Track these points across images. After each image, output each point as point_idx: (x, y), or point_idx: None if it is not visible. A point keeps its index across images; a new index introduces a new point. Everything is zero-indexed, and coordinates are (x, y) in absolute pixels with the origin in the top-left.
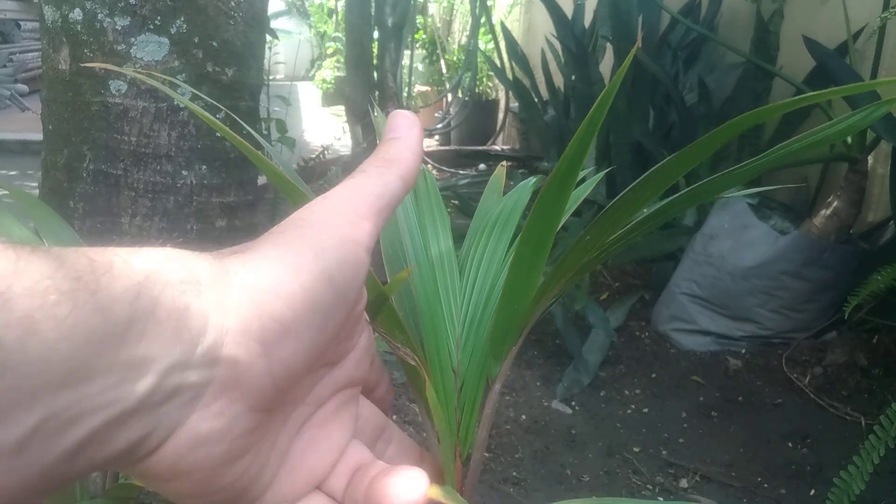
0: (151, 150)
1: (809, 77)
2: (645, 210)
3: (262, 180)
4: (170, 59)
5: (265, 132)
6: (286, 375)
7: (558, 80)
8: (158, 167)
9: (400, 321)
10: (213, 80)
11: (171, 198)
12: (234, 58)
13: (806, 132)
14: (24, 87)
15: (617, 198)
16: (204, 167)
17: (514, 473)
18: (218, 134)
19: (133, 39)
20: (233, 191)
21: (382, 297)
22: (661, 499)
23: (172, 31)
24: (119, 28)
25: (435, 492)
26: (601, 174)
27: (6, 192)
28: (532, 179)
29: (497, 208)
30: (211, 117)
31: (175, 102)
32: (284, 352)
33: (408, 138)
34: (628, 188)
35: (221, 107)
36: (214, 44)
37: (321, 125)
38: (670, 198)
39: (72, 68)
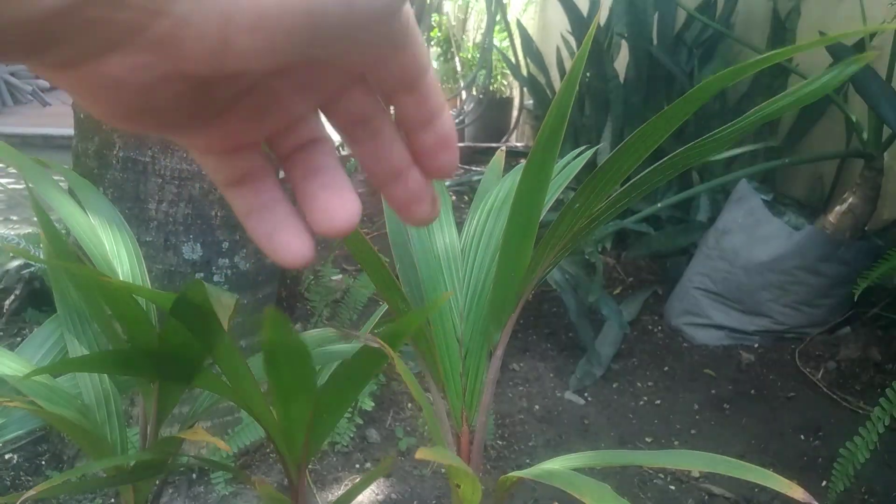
0: None
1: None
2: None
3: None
4: None
5: None
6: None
7: None
8: (185, 154)
9: (401, 291)
10: None
11: (197, 185)
12: None
13: (786, 91)
14: (45, 83)
15: (601, 164)
16: None
17: (528, 461)
18: None
19: None
20: None
21: (388, 279)
22: (672, 488)
23: None
24: None
25: (424, 453)
26: (592, 149)
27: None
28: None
29: (495, 189)
30: None
31: None
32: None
33: None
34: (610, 154)
35: None
36: None
37: (329, 129)
38: (656, 164)
39: None
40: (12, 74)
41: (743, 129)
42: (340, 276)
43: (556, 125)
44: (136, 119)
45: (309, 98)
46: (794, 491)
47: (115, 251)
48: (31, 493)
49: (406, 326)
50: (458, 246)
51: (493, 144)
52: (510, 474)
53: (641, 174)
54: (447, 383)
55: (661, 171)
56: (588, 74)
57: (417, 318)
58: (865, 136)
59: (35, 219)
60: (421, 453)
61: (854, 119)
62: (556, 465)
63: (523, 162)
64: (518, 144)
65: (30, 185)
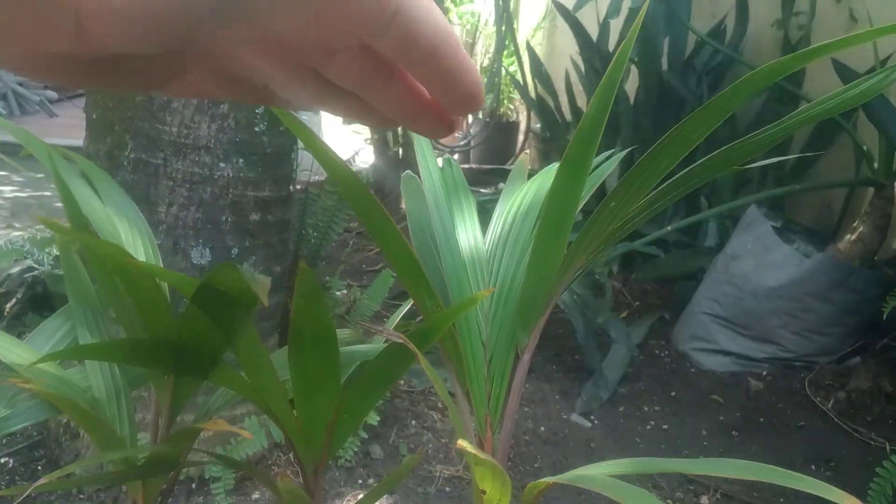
0: (191, 141)
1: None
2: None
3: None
4: None
5: None
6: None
7: (581, 102)
8: (197, 158)
9: (431, 288)
10: None
11: (208, 189)
12: None
13: (818, 99)
14: (53, 94)
15: (637, 163)
16: (241, 160)
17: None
18: (256, 129)
19: None
20: (268, 185)
21: (417, 273)
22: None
23: None
24: None
25: (464, 444)
26: (624, 152)
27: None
28: (555, 165)
29: (522, 191)
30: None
31: None
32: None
33: None
34: (646, 153)
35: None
36: None
37: (342, 141)
38: (691, 167)
39: None
40: (21, 84)
41: (767, 141)
42: (346, 290)
43: (595, 123)
44: (101, 78)
45: (288, 62)
46: (852, 502)
47: (132, 241)
48: (42, 481)
49: (437, 325)
50: (483, 247)
51: (499, 167)
52: (540, 480)
53: (675, 177)
54: (472, 388)
55: (696, 172)
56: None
57: (449, 317)
58: (876, 164)
59: (38, 226)
60: (461, 443)
61: (865, 147)
62: (592, 472)
63: (552, 165)
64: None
65: (52, 168)
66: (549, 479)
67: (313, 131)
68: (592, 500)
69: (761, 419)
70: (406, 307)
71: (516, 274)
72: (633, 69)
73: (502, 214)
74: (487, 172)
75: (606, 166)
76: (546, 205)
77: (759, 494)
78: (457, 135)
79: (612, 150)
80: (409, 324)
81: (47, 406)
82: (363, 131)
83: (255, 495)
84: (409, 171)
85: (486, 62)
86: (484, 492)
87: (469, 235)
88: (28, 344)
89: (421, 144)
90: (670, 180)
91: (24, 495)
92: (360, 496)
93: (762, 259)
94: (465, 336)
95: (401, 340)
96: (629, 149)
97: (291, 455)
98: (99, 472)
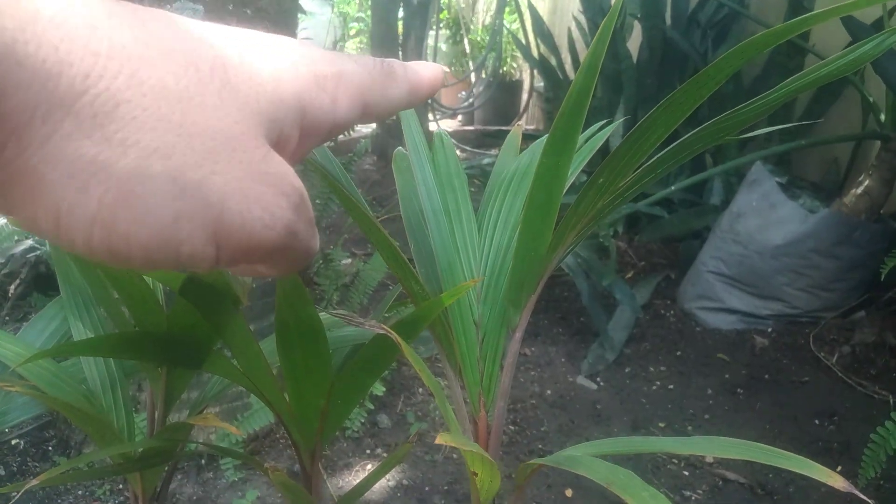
0: None
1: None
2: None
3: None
4: None
5: None
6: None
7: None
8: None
9: (414, 272)
10: None
11: None
12: (268, 26)
13: (821, 62)
14: None
15: (626, 136)
16: None
17: (540, 446)
18: None
19: (169, 7)
20: None
21: (401, 261)
22: (686, 473)
23: None
24: None
25: (444, 438)
26: (616, 122)
27: None
28: (546, 137)
29: (513, 166)
30: None
31: None
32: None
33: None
34: (636, 126)
35: None
36: (248, 11)
37: None
38: (683, 138)
39: None
40: None
41: (769, 105)
42: (350, 259)
43: (582, 95)
44: None
45: None
46: (835, 480)
47: None
48: (35, 481)
49: (425, 314)
50: (475, 226)
51: (503, 128)
52: (531, 461)
53: (666, 149)
54: (464, 368)
55: (686, 145)
56: None
57: (436, 307)
58: (883, 117)
59: None
60: (441, 438)
61: (871, 100)
62: (579, 453)
63: (543, 138)
64: (528, 128)
65: None
66: (538, 461)
67: None
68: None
69: (766, 376)
70: (399, 288)
71: (507, 252)
72: (636, 25)
73: (493, 191)
74: (492, 134)
75: (598, 137)
76: (532, 182)
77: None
78: (460, 95)
79: (602, 122)
80: (406, 302)
81: (41, 401)
82: None
83: None
84: (400, 148)
85: (487, 20)
86: (475, 473)
87: (461, 215)
88: (21, 337)
89: (409, 121)
90: (668, 148)
91: (24, 489)
92: (369, 466)
93: (767, 216)
94: (455, 317)
95: (384, 332)
96: (623, 119)
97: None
98: (97, 466)
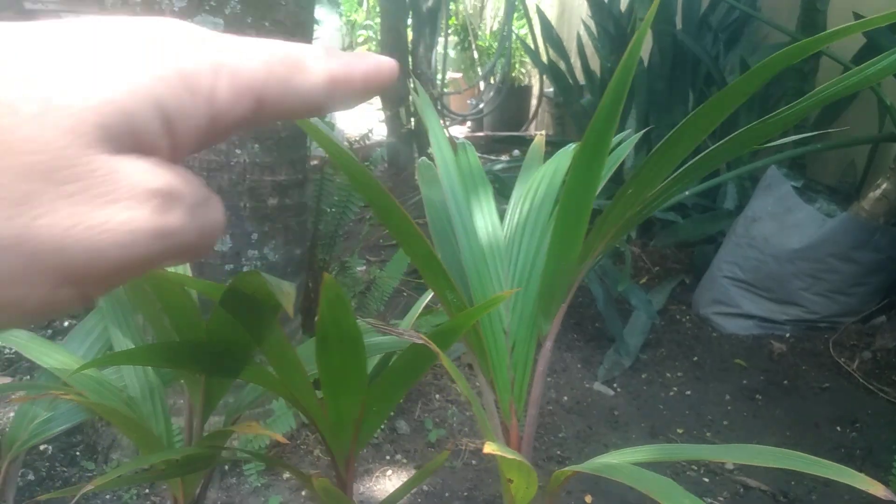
0: None
1: (858, 55)
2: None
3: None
4: None
5: None
6: None
7: (594, 64)
8: (213, 146)
9: (451, 282)
10: None
11: (226, 176)
12: (285, 38)
13: (849, 71)
14: None
15: (656, 148)
16: (256, 146)
17: (558, 452)
18: None
19: (189, 21)
20: (284, 169)
21: (436, 268)
22: (706, 480)
23: (227, 11)
24: (177, 9)
25: (491, 448)
26: (640, 133)
27: None
28: (571, 145)
29: (539, 174)
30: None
31: None
32: None
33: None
34: (665, 138)
35: None
36: (266, 24)
37: (353, 113)
38: (711, 147)
39: None
40: None
41: (797, 115)
42: (364, 266)
43: (612, 108)
44: None
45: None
46: (876, 488)
47: None
48: (90, 486)
49: (460, 324)
50: (501, 234)
51: (513, 133)
52: (566, 468)
53: (692, 160)
54: (495, 376)
55: (712, 156)
56: (608, 63)
57: (472, 316)
58: None
59: None
60: (489, 448)
61: (888, 102)
62: (615, 460)
63: (568, 146)
64: (538, 133)
65: None
66: (574, 468)
67: (325, 128)
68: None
69: (785, 382)
70: (428, 297)
71: (535, 261)
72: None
73: (519, 200)
74: (501, 140)
75: (622, 149)
76: (565, 192)
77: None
78: (469, 101)
79: (626, 131)
80: (432, 310)
81: (86, 408)
82: (375, 101)
83: (286, 474)
84: (424, 158)
85: (495, 26)
86: (511, 480)
87: (487, 223)
88: (64, 347)
89: (436, 132)
90: (690, 162)
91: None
92: (389, 471)
93: (783, 220)
94: (486, 325)
95: (422, 342)
96: (644, 130)
97: (322, 447)
98: (140, 472)
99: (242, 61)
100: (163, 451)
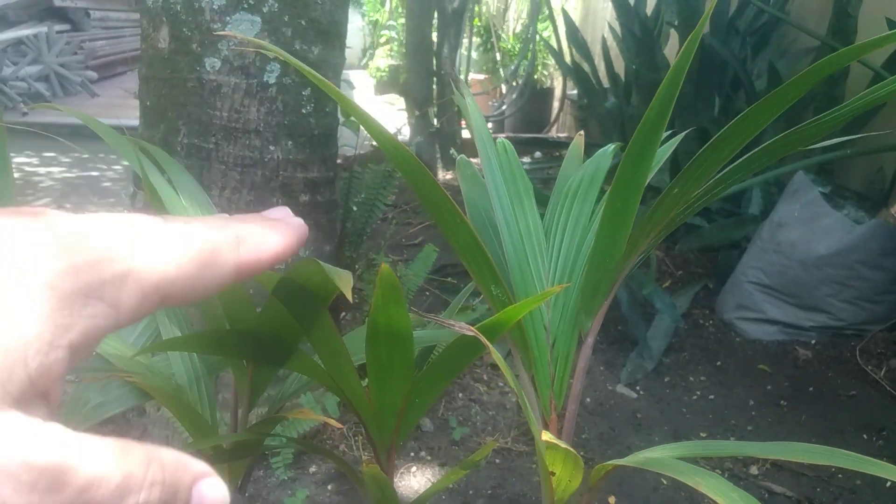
0: (241, 125)
1: (889, 61)
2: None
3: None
4: (261, 37)
5: None
6: None
7: (618, 67)
8: (248, 142)
9: (496, 275)
10: (300, 57)
11: (259, 172)
12: (320, 36)
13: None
14: (93, 74)
15: (703, 148)
16: (290, 143)
17: (582, 453)
18: (303, 110)
19: (228, 18)
20: (316, 166)
21: (483, 260)
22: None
23: (265, 9)
24: (216, 7)
25: (548, 436)
26: (683, 133)
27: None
28: (611, 146)
29: (579, 174)
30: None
31: (264, 79)
32: None
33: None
34: (714, 138)
35: (310, 79)
36: (303, 22)
37: (375, 113)
38: (755, 150)
39: (170, 46)
40: (62, 66)
41: (840, 119)
42: (389, 264)
43: (663, 109)
44: None
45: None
46: None
47: None
48: None
49: (507, 319)
50: (542, 231)
51: (535, 135)
52: (608, 462)
53: (735, 162)
54: (536, 371)
55: (755, 158)
56: (634, 66)
57: (519, 311)
58: None
59: (89, 207)
60: (546, 436)
61: None
62: (658, 454)
63: (609, 148)
64: (560, 136)
65: (126, 155)
66: (616, 462)
67: (368, 113)
68: (647, 479)
69: (810, 388)
70: (465, 294)
71: (577, 258)
72: (673, 34)
73: (560, 198)
74: (523, 142)
75: (664, 150)
76: (611, 190)
77: (809, 463)
78: (491, 103)
79: (670, 132)
80: (470, 306)
81: (138, 392)
82: (397, 101)
83: (312, 468)
84: (462, 156)
85: (518, 28)
86: (553, 473)
87: (528, 220)
88: (116, 334)
89: (481, 131)
90: (731, 165)
91: None
92: (413, 468)
93: (810, 226)
94: (527, 320)
95: (472, 334)
96: (686, 131)
97: (363, 437)
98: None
99: (152, 264)
100: (214, 436)
